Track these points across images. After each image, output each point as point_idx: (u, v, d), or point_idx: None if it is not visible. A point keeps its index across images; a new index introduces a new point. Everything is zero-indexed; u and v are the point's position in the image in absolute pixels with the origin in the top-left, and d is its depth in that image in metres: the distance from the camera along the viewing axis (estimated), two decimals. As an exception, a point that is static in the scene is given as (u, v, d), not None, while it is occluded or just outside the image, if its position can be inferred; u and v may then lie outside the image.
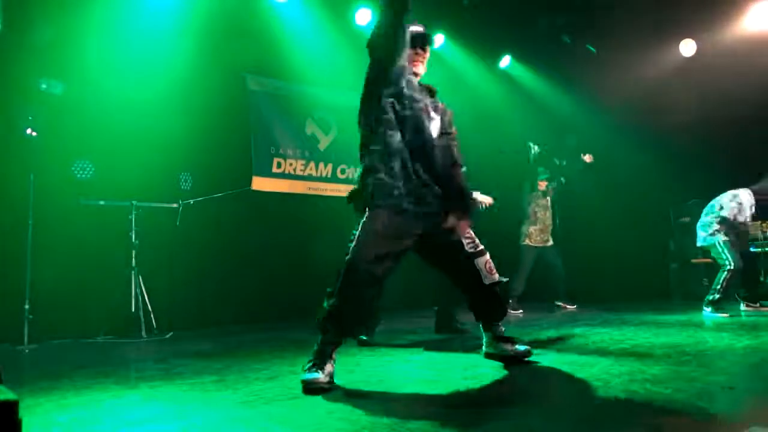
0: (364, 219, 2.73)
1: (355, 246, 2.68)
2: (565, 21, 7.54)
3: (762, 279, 6.26)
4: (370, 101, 2.81)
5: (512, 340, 3.11)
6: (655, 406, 2.04)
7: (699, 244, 5.76)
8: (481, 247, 2.98)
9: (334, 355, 2.71)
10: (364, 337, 4.11)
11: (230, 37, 6.18)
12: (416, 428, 1.90)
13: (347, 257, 2.66)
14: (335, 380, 2.73)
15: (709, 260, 6.16)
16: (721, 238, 5.47)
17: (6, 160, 4.92)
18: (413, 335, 4.60)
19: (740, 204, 5.54)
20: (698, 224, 5.78)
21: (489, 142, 7.84)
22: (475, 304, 3.07)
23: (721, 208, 5.58)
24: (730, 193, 5.64)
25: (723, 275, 5.40)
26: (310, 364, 2.62)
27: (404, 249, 2.79)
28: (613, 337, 3.93)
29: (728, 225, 5.51)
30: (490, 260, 2.97)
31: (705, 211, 5.75)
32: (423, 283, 5.58)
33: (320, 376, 2.54)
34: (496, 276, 2.96)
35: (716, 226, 5.54)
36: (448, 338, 4.36)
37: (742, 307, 5.68)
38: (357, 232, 2.72)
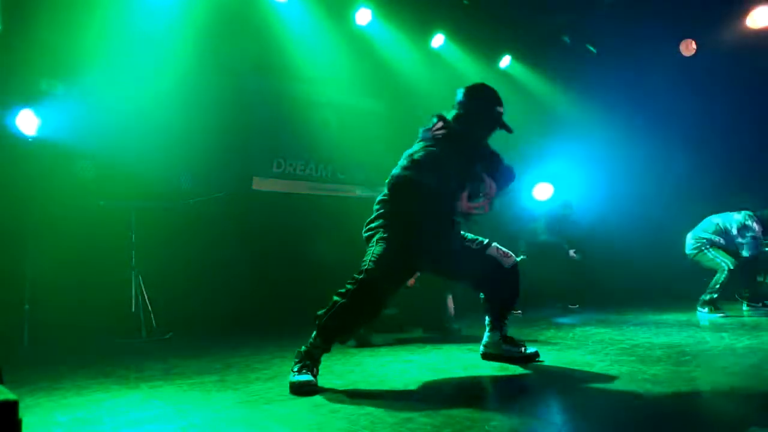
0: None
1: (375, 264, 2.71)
2: (565, 21, 7.53)
3: (762, 279, 6.24)
4: None
5: (521, 343, 3.11)
6: (655, 406, 2.04)
7: (687, 251, 5.84)
8: (486, 240, 3.07)
9: (320, 359, 2.72)
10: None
11: (230, 37, 6.17)
12: (416, 428, 1.90)
13: (363, 275, 2.67)
14: (336, 381, 2.73)
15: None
16: (710, 249, 5.58)
17: (6, 159, 4.91)
18: (413, 335, 4.60)
19: (746, 227, 5.54)
20: (692, 233, 5.81)
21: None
22: (496, 294, 3.09)
23: (727, 231, 5.61)
24: (738, 218, 5.62)
25: (722, 276, 5.40)
26: (300, 365, 2.62)
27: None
28: (613, 337, 3.93)
29: (722, 243, 5.59)
30: (500, 246, 3.06)
31: (704, 225, 5.77)
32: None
33: (311, 379, 2.56)
34: (513, 257, 3.04)
35: (708, 243, 5.61)
36: (448, 338, 4.36)
37: (745, 307, 5.66)
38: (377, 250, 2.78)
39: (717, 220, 5.70)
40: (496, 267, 3.00)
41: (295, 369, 2.62)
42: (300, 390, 2.50)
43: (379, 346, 4.00)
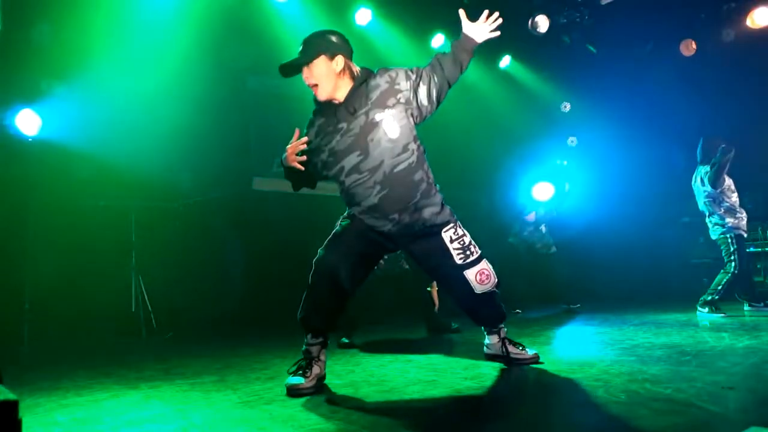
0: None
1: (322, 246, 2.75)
2: (566, 21, 7.53)
3: (762, 279, 6.23)
4: None
5: (519, 344, 3.04)
6: (655, 406, 2.04)
7: (713, 237, 5.56)
8: (475, 255, 2.74)
9: (321, 356, 2.70)
10: (346, 340, 4.09)
11: (230, 36, 6.18)
12: (416, 428, 1.90)
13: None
14: (336, 381, 2.73)
15: (709, 260, 6.12)
16: (733, 232, 5.37)
17: (6, 159, 4.92)
18: (413, 335, 4.60)
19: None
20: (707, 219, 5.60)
21: (488, 142, 7.84)
22: (471, 313, 2.95)
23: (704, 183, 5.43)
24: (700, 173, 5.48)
25: (726, 278, 5.32)
26: (296, 367, 2.63)
27: (371, 255, 2.80)
28: (613, 337, 3.93)
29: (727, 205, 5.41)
30: (486, 268, 2.75)
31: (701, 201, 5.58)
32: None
33: (302, 381, 2.53)
34: (489, 285, 2.75)
35: (720, 211, 5.39)
36: (448, 338, 4.36)
37: (746, 307, 5.65)
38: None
39: (704, 197, 5.54)
40: (467, 291, 2.73)
41: (291, 369, 2.62)
42: (287, 392, 2.51)
43: (359, 348, 3.99)
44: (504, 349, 2.98)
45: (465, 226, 2.83)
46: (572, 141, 8.37)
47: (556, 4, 7.09)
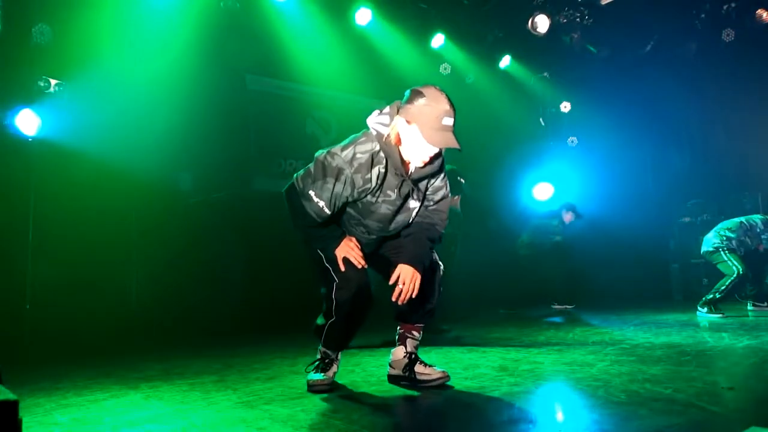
0: None
1: None
2: (566, 21, 7.53)
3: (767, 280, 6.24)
4: None
5: (430, 365, 2.62)
6: (655, 406, 2.04)
7: (706, 248, 5.65)
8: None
9: (338, 356, 2.70)
10: None
11: (230, 36, 6.17)
12: (416, 428, 1.90)
13: None
14: (337, 381, 2.73)
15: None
16: (727, 252, 5.46)
17: (6, 159, 4.91)
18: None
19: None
20: (714, 231, 5.66)
21: (488, 142, 7.84)
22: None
23: (752, 227, 5.53)
24: (761, 216, 5.58)
25: (730, 280, 5.33)
26: (315, 364, 2.62)
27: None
28: (613, 337, 3.93)
29: (743, 246, 5.48)
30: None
31: (727, 224, 5.65)
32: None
33: (323, 377, 2.54)
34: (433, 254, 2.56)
35: (729, 243, 5.50)
36: (447, 339, 4.36)
37: (750, 306, 5.65)
38: None
39: (739, 219, 5.61)
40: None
41: (311, 368, 2.60)
42: (309, 388, 2.52)
43: (374, 347, 3.99)
44: (409, 369, 2.57)
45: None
46: (572, 141, 8.39)
47: (556, 4, 7.09)
